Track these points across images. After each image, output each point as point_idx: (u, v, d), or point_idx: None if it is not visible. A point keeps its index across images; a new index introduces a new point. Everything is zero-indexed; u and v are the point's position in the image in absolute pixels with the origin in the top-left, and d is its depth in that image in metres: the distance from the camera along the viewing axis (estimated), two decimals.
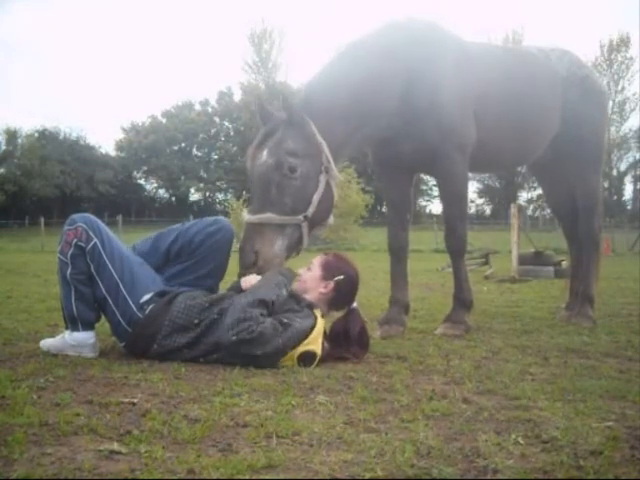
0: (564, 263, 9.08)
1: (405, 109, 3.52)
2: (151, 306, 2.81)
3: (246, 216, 3.15)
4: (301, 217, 3.14)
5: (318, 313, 2.83)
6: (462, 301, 3.86)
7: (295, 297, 2.89)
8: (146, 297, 2.84)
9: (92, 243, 2.80)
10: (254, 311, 2.64)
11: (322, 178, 3.22)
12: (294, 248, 3.18)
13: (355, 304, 3.05)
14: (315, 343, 2.72)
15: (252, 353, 2.59)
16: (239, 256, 3.07)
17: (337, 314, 3.09)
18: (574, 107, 4.33)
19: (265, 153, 3.16)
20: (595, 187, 4.61)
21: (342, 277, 2.96)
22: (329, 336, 2.94)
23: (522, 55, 4.54)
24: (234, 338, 2.58)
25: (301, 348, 2.68)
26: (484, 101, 3.79)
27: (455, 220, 3.81)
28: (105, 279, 2.81)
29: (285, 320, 2.69)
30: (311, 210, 3.17)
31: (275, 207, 3.10)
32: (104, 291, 2.82)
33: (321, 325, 2.79)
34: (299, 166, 3.13)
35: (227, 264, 3.16)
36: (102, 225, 2.91)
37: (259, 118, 3.34)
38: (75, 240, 2.80)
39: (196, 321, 2.75)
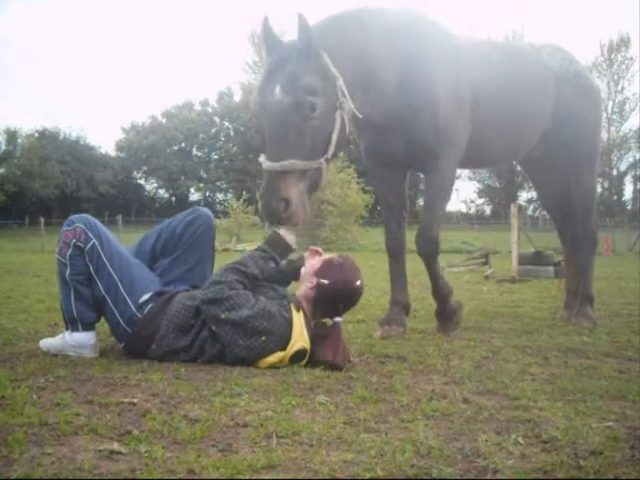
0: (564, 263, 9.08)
1: (401, 100, 3.43)
2: (150, 305, 2.81)
3: (266, 163, 2.93)
4: (322, 160, 3.00)
5: (293, 307, 2.73)
6: (443, 295, 3.79)
7: (274, 288, 2.85)
8: (145, 297, 2.84)
9: (91, 243, 2.80)
10: (230, 276, 2.70)
11: (338, 115, 3.04)
12: (314, 191, 3.08)
13: (339, 319, 2.83)
14: (301, 339, 2.67)
15: (217, 315, 2.63)
16: (262, 206, 2.91)
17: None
18: (567, 103, 4.27)
19: (278, 90, 2.92)
20: (591, 186, 4.55)
21: (326, 282, 2.77)
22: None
23: (512, 51, 4.43)
24: (204, 296, 2.67)
25: (290, 350, 2.64)
26: (475, 97, 3.72)
27: (433, 219, 3.67)
28: (104, 279, 2.81)
29: (260, 297, 2.70)
30: (331, 151, 3.03)
31: (296, 151, 2.91)
32: (103, 291, 2.82)
33: (298, 319, 2.69)
34: (318, 105, 2.94)
35: (213, 253, 3.16)
36: (100, 225, 2.91)
37: (264, 44, 3.06)
38: (74, 240, 2.80)
39: (192, 322, 2.75)
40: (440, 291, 3.79)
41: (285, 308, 2.71)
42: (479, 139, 3.80)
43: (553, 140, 4.34)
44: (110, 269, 2.82)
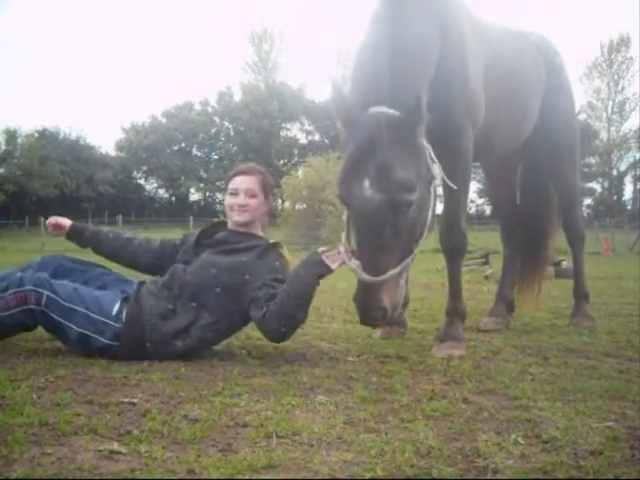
0: (564, 263, 9.08)
1: (437, 77, 3.01)
2: (124, 312, 2.80)
3: (363, 276, 2.54)
4: (416, 246, 2.69)
5: (284, 250, 3.06)
6: (458, 312, 3.32)
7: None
8: (116, 307, 2.81)
9: (44, 297, 2.73)
10: (270, 292, 2.82)
11: (432, 189, 2.67)
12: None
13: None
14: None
15: (256, 317, 2.80)
16: (360, 311, 2.61)
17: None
18: (551, 96, 4.14)
19: (367, 185, 2.50)
20: (573, 182, 4.45)
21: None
22: None
23: (515, 36, 4.19)
24: (283, 329, 2.78)
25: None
26: (488, 76, 3.42)
27: (459, 207, 3.24)
28: (73, 319, 2.75)
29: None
30: (425, 232, 2.69)
31: (394, 256, 2.58)
32: (79, 329, 2.75)
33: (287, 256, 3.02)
34: (415, 199, 2.55)
35: None
36: (51, 267, 2.96)
37: (337, 114, 2.65)
38: (22, 307, 2.74)
39: (170, 306, 2.81)
40: (457, 307, 3.30)
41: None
42: (487, 125, 3.48)
43: (537, 134, 4.17)
44: (73, 306, 2.75)
